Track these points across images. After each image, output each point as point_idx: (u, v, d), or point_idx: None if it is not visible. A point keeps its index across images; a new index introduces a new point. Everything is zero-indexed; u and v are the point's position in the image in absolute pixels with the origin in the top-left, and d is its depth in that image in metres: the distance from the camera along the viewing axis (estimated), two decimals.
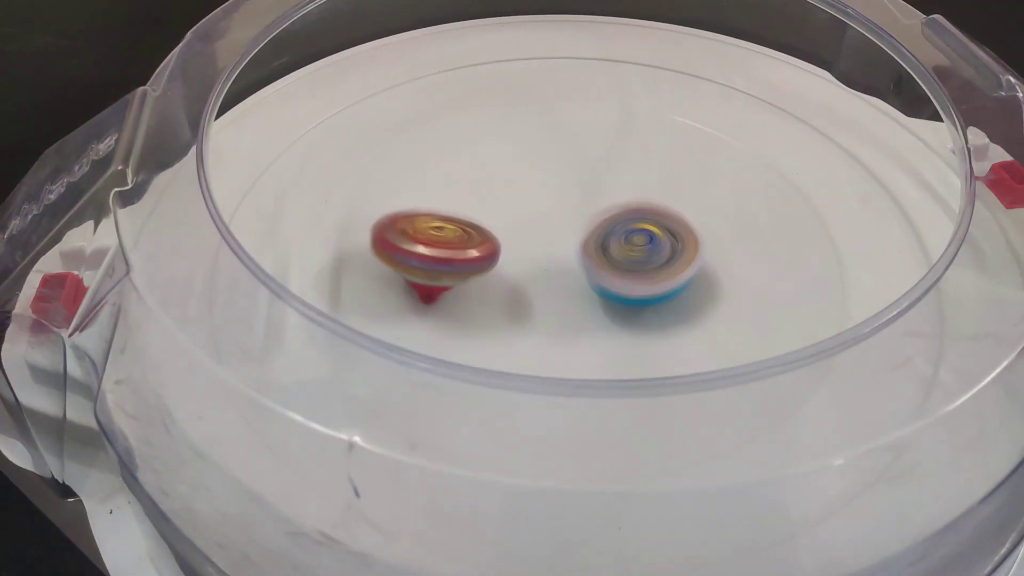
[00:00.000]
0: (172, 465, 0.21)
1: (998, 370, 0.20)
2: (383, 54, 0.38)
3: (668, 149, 0.34)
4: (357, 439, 0.19)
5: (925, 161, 0.33)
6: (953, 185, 0.32)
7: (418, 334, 0.26)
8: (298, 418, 0.19)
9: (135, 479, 0.21)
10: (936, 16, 0.31)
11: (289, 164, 0.32)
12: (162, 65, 0.29)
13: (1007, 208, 0.28)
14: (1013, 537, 0.21)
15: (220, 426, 0.21)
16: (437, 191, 0.31)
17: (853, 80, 0.36)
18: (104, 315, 0.23)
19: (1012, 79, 0.28)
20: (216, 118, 0.33)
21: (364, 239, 0.29)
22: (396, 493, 0.19)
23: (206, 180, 0.23)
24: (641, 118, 0.35)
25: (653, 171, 0.32)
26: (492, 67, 0.37)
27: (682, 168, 0.33)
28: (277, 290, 0.21)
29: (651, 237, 0.26)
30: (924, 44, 0.30)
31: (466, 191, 0.31)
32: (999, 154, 0.29)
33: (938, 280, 0.21)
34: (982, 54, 0.29)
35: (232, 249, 0.21)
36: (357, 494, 0.19)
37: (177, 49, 0.29)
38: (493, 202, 0.30)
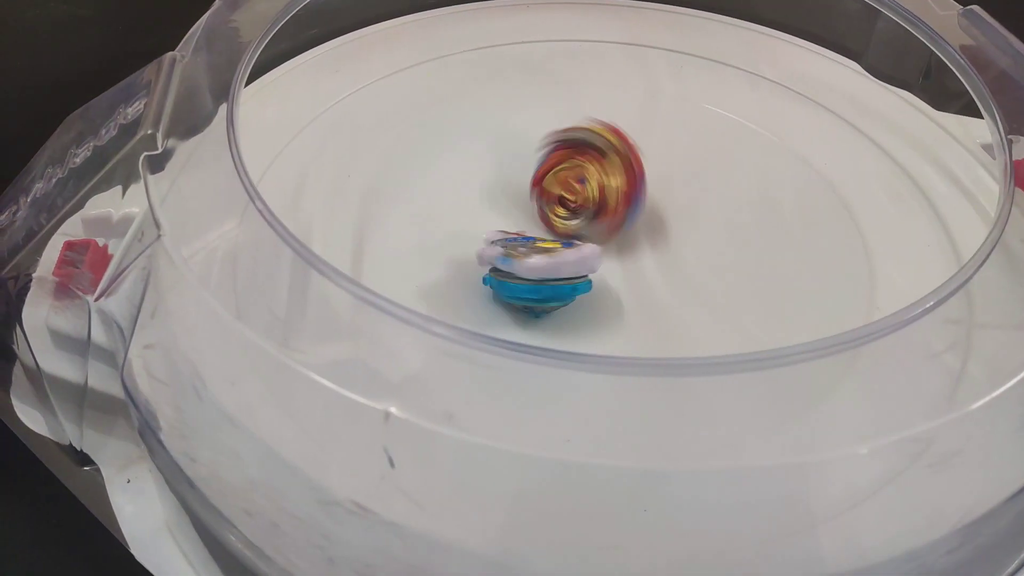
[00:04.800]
0: (201, 431, 0.21)
1: None
2: (408, 32, 0.37)
3: (694, 136, 0.33)
4: (393, 409, 0.18)
5: (954, 155, 0.32)
6: (982, 180, 0.31)
7: (444, 308, 0.26)
8: (333, 387, 0.19)
9: (161, 445, 0.21)
10: (973, 7, 0.31)
11: (312, 140, 0.32)
12: (190, 32, 0.29)
13: None
14: None
15: (253, 393, 0.20)
16: (458, 171, 0.31)
17: (881, 72, 0.36)
18: (132, 280, 0.22)
19: None
20: (243, 87, 0.33)
21: (385, 216, 0.29)
22: (431, 464, 0.19)
23: (236, 146, 0.23)
24: (667, 104, 0.35)
25: (678, 158, 0.32)
26: (517, 48, 0.37)
27: (708, 155, 0.32)
28: (315, 263, 0.20)
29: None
30: (960, 35, 0.30)
31: (488, 171, 0.31)
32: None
33: (972, 276, 0.21)
34: (1021, 46, 0.29)
35: (268, 222, 0.21)
36: (392, 464, 0.19)
37: (205, 16, 0.29)
38: (515, 182, 0.30)
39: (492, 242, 0.25)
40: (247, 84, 0.33)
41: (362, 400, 0.18)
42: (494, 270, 0.25)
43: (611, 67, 0.37)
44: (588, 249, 0.24)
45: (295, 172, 0.31)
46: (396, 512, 0.19)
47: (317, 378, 0.19)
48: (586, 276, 0.24)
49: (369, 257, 0.28)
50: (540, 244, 0.25)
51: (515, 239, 0.26)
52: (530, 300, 0.24)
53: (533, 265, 0.23)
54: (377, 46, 0.36)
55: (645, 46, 0.38)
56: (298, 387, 0.20)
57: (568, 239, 0.27)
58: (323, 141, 0.32)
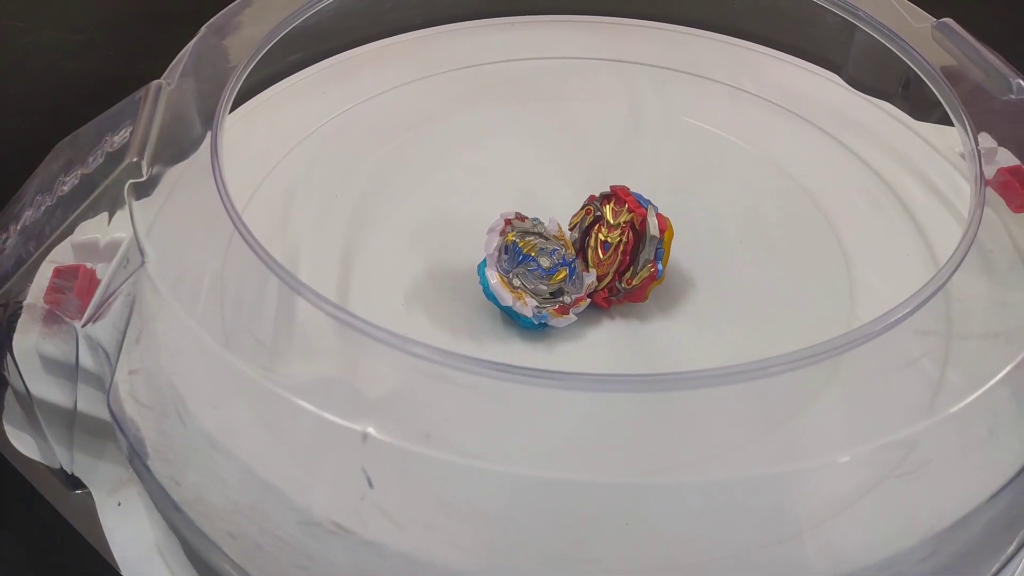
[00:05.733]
0: (185, 454, 0.21)
1: (1007, 370, 0.20)
2: (393, 52, 0.38)
3: (676, 150, 0.34)
4: (371, 430, 0.19)
5: (933, 164, 0.33)
6: (961, 188, 0.32)
7: (426, 328, 0.26)
8: (313, 409, 0.19)
9: (147, 469, 0.21)
10: (946, 19, 0.31)
11: (299, 160, 0.32)
12: (176, 59, 0.29)
13: (1014, 212, 0.28)
14: (1022, 535, 0.22)
15: (234, 416, 0.21)
16: (445, 189, 0.31)
17: (861, 83, 0.36)
18: (118, 306, 0.23)
19: (1022, 82, 0.28)
20: (229, 112, 0.34)
21: (372, 235, 0.30)
22: (409, 484, 0.20)
23: (220, 173, 0.23)
24: (650, 119, 0.35)
25: (661, 171, 0.32)
26: (502, 66, 0.38)
27: (690, 169, 0.33)
28: (292, 283, 0.21)
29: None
30: (934, 47, 0.30)
31: (475, 189, 0.32)
32: (1007, 158, 0.29)
33: (946, 282, 0.22)
34: (992, 57, 0.29)
35: (248, 243, 0.21)
36: (371, 484, 0.19)
37: (191, 43, 0.30)
38: (502, 200, 0.30)
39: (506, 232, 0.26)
40: (235, 108, 0.34)
41: (340, 421, 0.19)
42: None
43: (595, 83, 0.37)
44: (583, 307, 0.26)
45: (283, 193, 0.31)
46: (376, 532, 0.19)
47: (296, 400, 0.19)
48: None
49: (357, 277, 0.28)
50: (552, 244, 0.26)
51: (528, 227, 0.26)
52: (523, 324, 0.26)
53: (566, 321, 0.26)
54: (363, 67, 0.37)
55: (629, 62, 0.38)
56: (278, 409, 0.20)
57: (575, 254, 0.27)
58: (311, 162, 0.32)
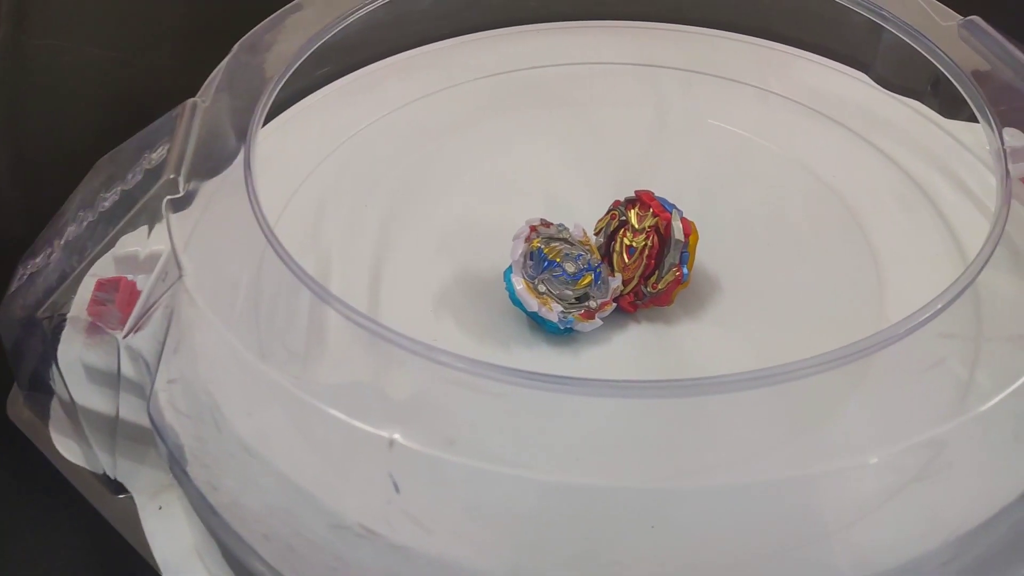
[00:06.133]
0: (221, 460, 0.22)
1: None
2: (421, 62, 0.38)
3: (704, 153, 0.34)
4: (397, 436, 0.19)
5: (963, 163, 0.32)
6: (992, 187, 0.31)
7: (454, 334, 0.26)
8: (341, 416, 0.19)
9: (185, 474, 0.22)
10: (973, 17, 0.31)
11: (331, 170, 0.33)
12: (211, 77, 0.30)
13: None
14: None
15: (267, 423, 0.21)
16: (472, 197, 0.32)
17: (890, 82, 0.36)
18: (157, 317, 0.24)
19: None
20: (262, 126, 0.35)
21: (402, 242, 0.30)
22: (435, 488, 0.20)
23: (253, 188, 0.24)
24: (677, 122, 0.35)
25: (689, 175, 0.32)
26: (528, 73, 0.38)
27: (718, 171, 0.33)
28: (320, 293, 0.21)
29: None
30: (961, 46, 0.30)
31: (503, 196, 0.32)
32: None
33: (973, 281, 0.21)
34: (1020, 55, 0.29)
35: (279, 254, 0.22)
36: (397, 489, 0.20)
37: (225, 61, 0.30)
38: (530, 207, 0.30)
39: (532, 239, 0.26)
40: (267, 122, 0.35)
41: (368, 428, 0.19)
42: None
43: (622, 88, 0.37)
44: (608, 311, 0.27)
45: (315, 202, 0.32)
46: (403, 535, 0.20)
47: (326, 407, 0.20)
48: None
49: (386, 283, 0.28)
50: (578, 250, 0.27)
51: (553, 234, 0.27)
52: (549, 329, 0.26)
53: (591, 325, 0.26)
54: (391, 78, 0.37)
55: (655, 66, 0.38)
56: (309, 416, 0.21)
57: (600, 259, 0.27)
58: (341, 172, 0.33)
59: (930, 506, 0.20)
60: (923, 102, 0.35)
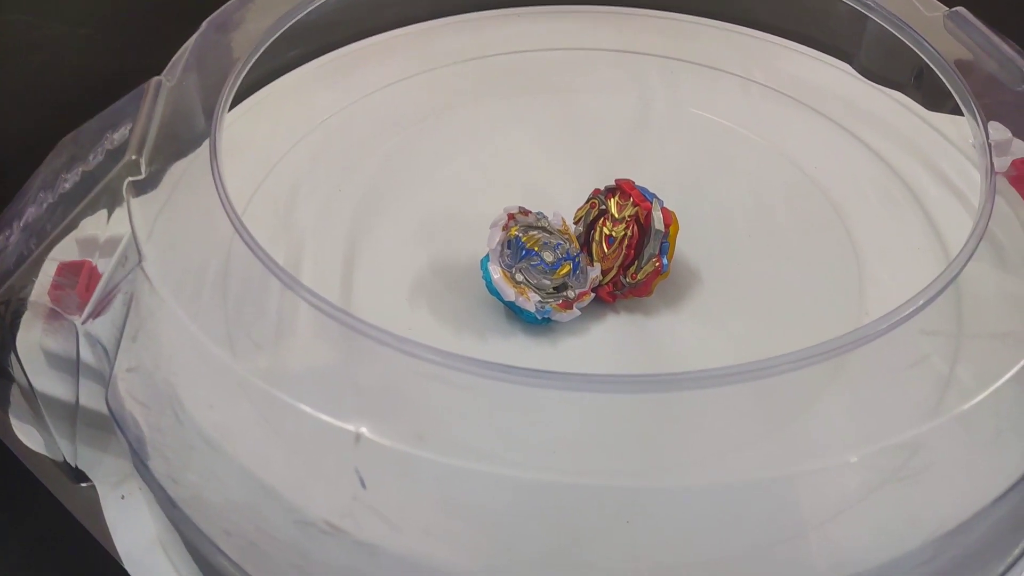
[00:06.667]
0: (182, 453, 0.21)
1: (1015, 369, 0.20)
2: (398, 45, 0.37)
3: (685, 142, 0.33)
4: (364, 430, 0.19)
5: (946, 156, 0.32)
6: (974, 181, 0.31)
7: (429, 323, 0.26)
8: (306, 409, 0.19)
9: (145, 466, 0.21)
10: (959, 8, 0.30)
11: (304, 154, 0.32)
12: (177, 55, 0.29)
13: None
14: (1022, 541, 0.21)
15: (229, 415, 0.21)
16: (449, 183, 0.31)
17: (873, 73, 0.36)
18: (117, 303, 0.23)
19: None
20: (231, 108, 0.34)
21: (377, 230, 0.29)
22: (403, 485, 0.19)
23: (219, 172, 0.23)
24: (659, 110, 0.35)
25: (671, 164, 0.32)
26: (509, 58, 0.37)
27: (700, 161, 0.32)
28: (288, 281, 0.21)
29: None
30: (946, 37, 0.30)
31: (481, 183, 0.31)
32: (1022, 149, 0.29)
33: (956, 277, 0.21)
34: (1006, 48, 0.28)
35: (244, 240, 0.21)
36: (363, 485, 0.19)
37: (192, 39, 0.30)
38: (508, 195, 0.30)
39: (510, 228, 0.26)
40: (239, 103, 0.34)
41: (334, 422, 0.19)
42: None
43: (604, 74, 0.37)
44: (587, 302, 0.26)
45: (287, 187, 0.31)
46: (370, 533, 0.19)
47: (291, 400, 0.19)
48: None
49: (360, 271, 0.28)
50: (556, 239, 0.26)
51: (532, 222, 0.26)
52: (527, 319, 0.26)
53: (569, 315, 0.26)
54: (368, 60, 0.37)
55: (637, 53, 0.38)
56: (273, 409, 0.20)
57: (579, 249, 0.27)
58: (315, 156, 0.32)
59: (910, 506, 0.20)
60: (906, 94, 0.35)
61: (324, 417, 0.19)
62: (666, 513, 0.20)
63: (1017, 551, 0.21)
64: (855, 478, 0.20)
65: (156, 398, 0.22)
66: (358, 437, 0.19)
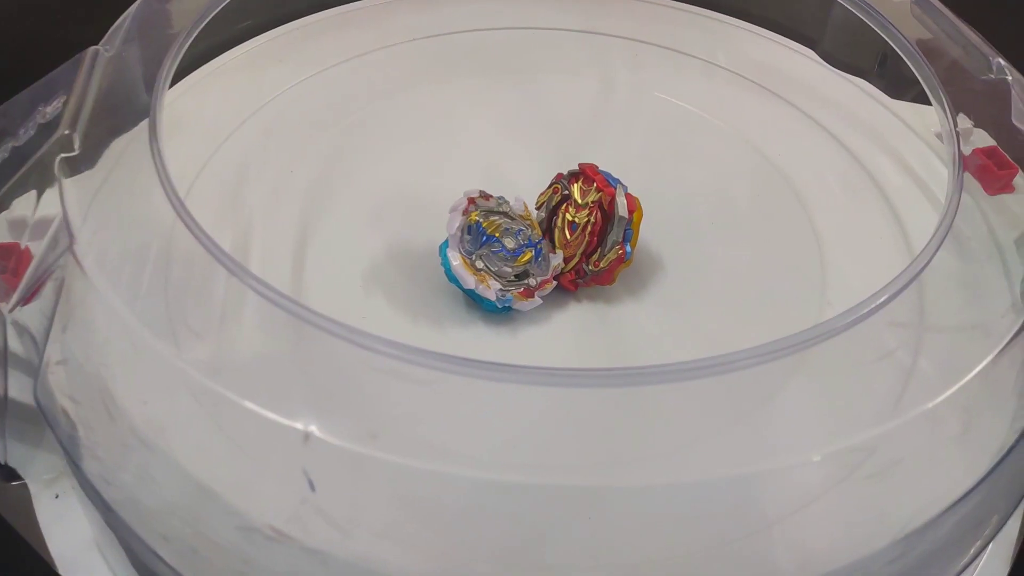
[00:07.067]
0: (115, 452, 0.20)
1: (983, 364, 0.20)
2: (354, 19, 0.36)
3: (648, 126, 0.33)
4: (314, 429, 0.17)
5: (908, 144, 0.32)
6: (935, 169, 0.31)
7: (384, 311, 0.25)
8: (251, 406, 0.18)
9: (77, 467, 0.20)
10: None
11: (253, 132, 0.31)
12: (117, 23, 0.27)
13: (989, 195, 0.28)
14: (988, 532, 0.21)
15: (166, 412, 0.20)
16: (407, 165, 0.30)
17: (837, 59, 0.35)
18: (47, 290, 0.21)
19: (1002, 62, 0.27)
20: (177, 81, 0.32)
21: (331, 213, 0.28)
22: (355, 486, 0.19)
23: (160, 150, 0.21)
24: (621, 93, 0.34)
25: (634, 148, 0.31)
26: (469, 36, 0.36)
27: (662, 146, 0.32)
28: (233, 267, 0.19)
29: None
30: (913, 23, 0.30)
31: (440, 166, 0.30)
32: (983, 138, 0.29)
33: (921, 271, 0.21)
34: (972, 35, 0.28)
35: (185, 223, 0.20)
36: (313, 487, 0.18)
37: (134, 6, 0.28)
38: (468, 178, 0.29)
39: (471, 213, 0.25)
40: (186, 75, 0.33)
41: (280, 419, 0.18)
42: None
43: (566, 56, 0.36)
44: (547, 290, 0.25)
45: (235, 167, 0.30)
46: (319, 539, 0.18)
47: (233, 396, 0.18)
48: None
49: (312, 257, 0.27)
50: (518, 224, 0.25)
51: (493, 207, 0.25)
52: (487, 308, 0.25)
53: (531, 304, 0.25)
54: (324, 34, 0.35)
55: (600, 34, 0.37)
56: (214, 406, 0.19)
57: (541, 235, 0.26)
58: (265, 134, 0.31)
59: (877, 504, 0.20)
60: (869, 81, 0.34)
61: (270, 414, 0.18)
62: (627, 511, 0.20)
63: (980, 543, 0.21)
64: (819, 476, 0.20)
65: (87, 392, 0.20)
66: (307, 436, 0.18)
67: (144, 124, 0.24)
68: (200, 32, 0.29)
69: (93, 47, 0.26)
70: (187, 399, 0.20)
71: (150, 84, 0.26)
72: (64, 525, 0.23)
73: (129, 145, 0.25)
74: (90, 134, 0.24)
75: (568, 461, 0.19)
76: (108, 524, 0.21)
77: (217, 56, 0.34)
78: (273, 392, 0.18)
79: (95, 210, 0.23)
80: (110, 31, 0.27)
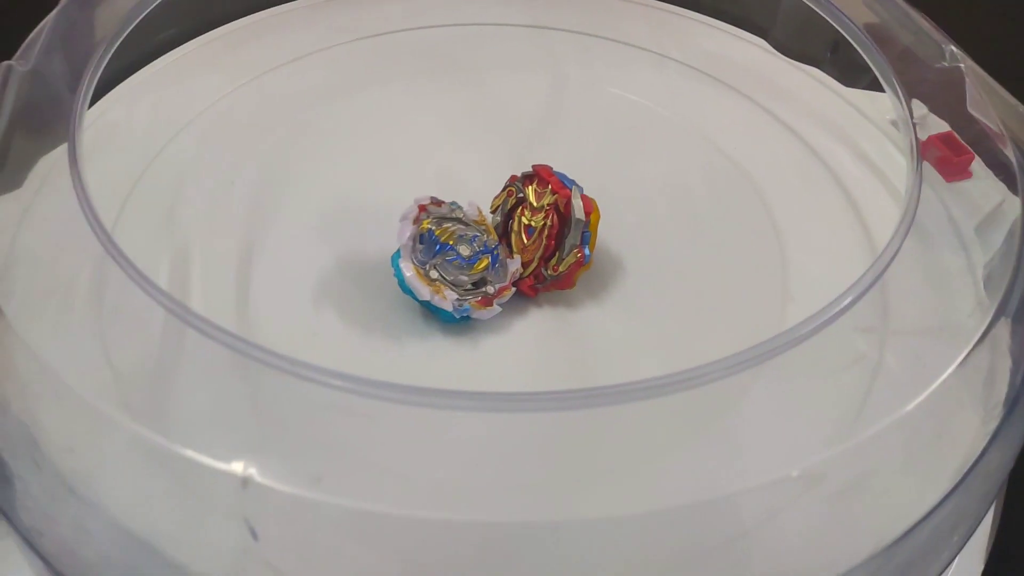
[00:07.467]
0: (44, 503, 0.19)
1: (951, 368, 0.19)
2: (289, 21, 0.35)
3: (602, 123, 0.32)
4: (253, 472, 0.16)
5: (863, 132, 0.32)
6: (892, 158, 0.31)
7: (336, 327, 0.24)
8: (184, 451, 0.16)
9: (7, 517, 0.19)
10: None
11: (188, 144, 0.30)
12: (32, 34, 0.26)
13: (948, 182, 0.28)
14: (961, 537, 0.21)
15: (94, 459, 0.18)
16: (353, 173, 0.29)
17: (789, 48, 0.35)
18: None
19: (955, 49, 0.27)
20: (106, 92, 0.31)
21: (274, 226, 0.27)
22: (300, 534, 0.17)
23: (80, 176, 0.20)
24: (572, 89, 0.33)
25: (588, 147, 0.31)
26: (411, 35, 0.35)
27: (616, 143, 0.31)
28: (168, 303, 0.18)
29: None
30: (863, 10, 0.29)
31: (387, 172, 0.29)
32: (937, 124, 0.28)
33: (885, 270, 0.20)
34: (924, 23, 0.28)
35: (113, 257, 0.19)
36: (255, 536, 0.17)
37: (52, 15, 0.26)
38: (418, 184, 0.28)
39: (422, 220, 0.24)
40: (115, 85, 0.31)
41: (217, 464, 0.16)
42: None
43: (514, 52, 0.35)
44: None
45: (171, 180, 0.28)
46: None
47: (165, 441, 0.17)
48: None
49: (258, 272, 0.25)
50: (473, 230, 0.24)
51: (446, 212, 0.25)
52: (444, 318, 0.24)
53: (490, 312, 0.24)
54: (258, 38, 0.34)
55: (549, 28, 0.36)
56: (145, 451, 0.18)
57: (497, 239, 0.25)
58: (202, 145, 0.30)
59: (851, 518, 0.19)
60: (822, 69, 0.34)
61: (205, 459, 0.16)
62: (581, 545, 0.19)
63: (954, 548, 0.21)
64: (793, 492, 0.19)
65: (10, 440, 0.19)
66: (245, 481, 0.16)
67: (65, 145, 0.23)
68: (127, 40, 0.27)
69: (6, 62, 0.24)
70: (115, 445, 0.18)
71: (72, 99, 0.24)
72: (2, 572, 0.22)
73: (55, 165, 0.24)
74: (7, 156, 0.22)
75: (526, 499, 0.18)
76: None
77: (145, 65, 0.32)
78: (207, 434, 0.17)
79: (18, 239, 0.21)
80: (25, 44, 0.25)
